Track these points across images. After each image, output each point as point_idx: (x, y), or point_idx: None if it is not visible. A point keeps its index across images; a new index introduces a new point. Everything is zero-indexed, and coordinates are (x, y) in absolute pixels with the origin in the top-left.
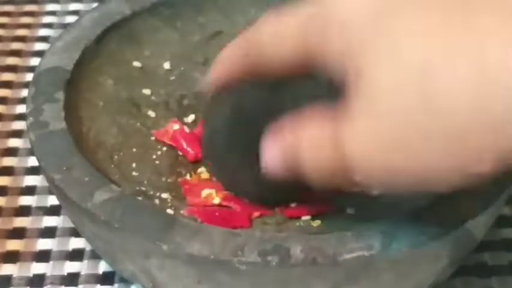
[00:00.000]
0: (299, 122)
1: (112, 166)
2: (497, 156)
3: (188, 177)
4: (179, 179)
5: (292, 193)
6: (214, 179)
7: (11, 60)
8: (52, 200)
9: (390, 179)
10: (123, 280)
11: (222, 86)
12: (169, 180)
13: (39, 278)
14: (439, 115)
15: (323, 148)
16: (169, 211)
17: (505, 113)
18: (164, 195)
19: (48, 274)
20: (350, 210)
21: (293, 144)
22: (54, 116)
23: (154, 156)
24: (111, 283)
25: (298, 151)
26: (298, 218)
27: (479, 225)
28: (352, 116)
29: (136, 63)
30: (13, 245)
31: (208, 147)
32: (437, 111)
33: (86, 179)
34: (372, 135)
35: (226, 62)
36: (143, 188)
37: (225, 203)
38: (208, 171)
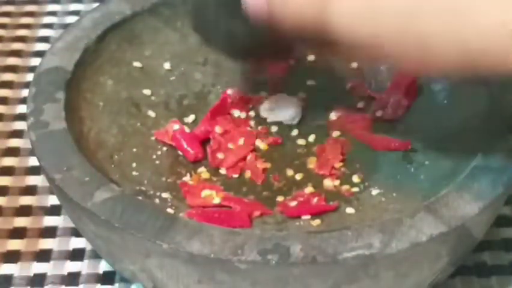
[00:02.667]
0: None
1: (112, 166)
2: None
3: (188, 177)
4: (179, 182)
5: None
6: (214, 178)
7: (12, 61)
8: (53, 200)
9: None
10: (123, 280)
11: None
12: (169, 180)
13: (40, 278)
14: None
15: None
16: (169, 210)
17: None
18: (164, 195)
19: (48, 274)
20: (349, 210)
21: None
22: (54, 116)
23: (154, 156)
24: (111, 283)
25: None
26: (298, 217)
27: (478, 225)
28: None
29: (137, 64)
30: (14, 244)
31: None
32: None
33: (87, 178)
34: None
35: None
36: (143, 188)
37: (224, 203)
38: (209, 171)
